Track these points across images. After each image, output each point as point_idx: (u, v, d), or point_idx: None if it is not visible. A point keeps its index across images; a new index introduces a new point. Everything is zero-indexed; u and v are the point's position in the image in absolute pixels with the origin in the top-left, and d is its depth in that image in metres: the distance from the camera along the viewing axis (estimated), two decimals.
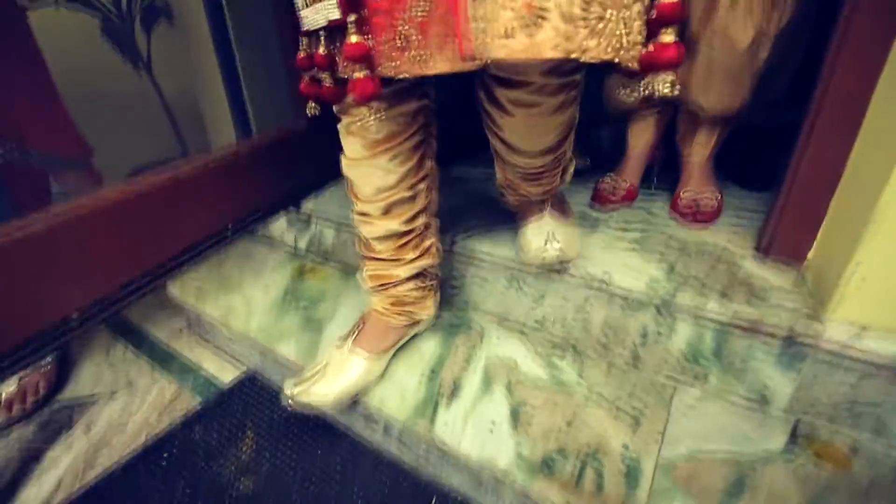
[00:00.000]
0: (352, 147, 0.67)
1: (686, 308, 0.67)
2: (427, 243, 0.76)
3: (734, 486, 0.57)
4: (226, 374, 1.00)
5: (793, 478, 0.58)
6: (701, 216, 0.88)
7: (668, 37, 0.41)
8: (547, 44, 0.40)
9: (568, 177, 0.74)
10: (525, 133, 0.60)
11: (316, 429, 0.84)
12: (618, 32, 0.41)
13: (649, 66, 0.43)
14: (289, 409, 0.74)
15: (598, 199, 0.97)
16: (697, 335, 0.68)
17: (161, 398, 0.95)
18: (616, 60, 0.42)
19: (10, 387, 0.92)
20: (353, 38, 0.47)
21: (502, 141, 0.63)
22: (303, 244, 1.13)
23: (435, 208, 0.76)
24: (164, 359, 1.06)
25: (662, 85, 0.43)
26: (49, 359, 0.98)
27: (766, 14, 0.71)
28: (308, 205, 1.07)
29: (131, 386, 0.98)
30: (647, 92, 0.44)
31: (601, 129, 1.17)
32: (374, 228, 0.71)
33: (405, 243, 0.73)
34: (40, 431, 0.89)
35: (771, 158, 0.96)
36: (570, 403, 0.69)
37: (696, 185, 0.92)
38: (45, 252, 0.67)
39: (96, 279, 0.75)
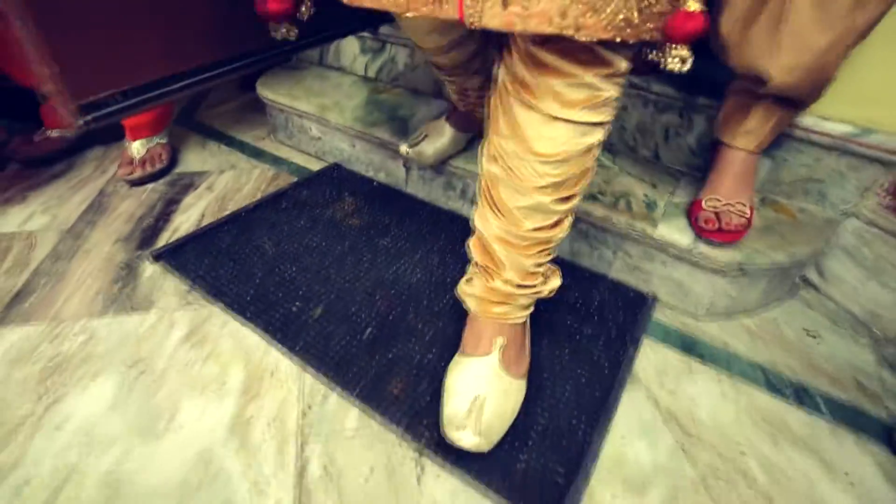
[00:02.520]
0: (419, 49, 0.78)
1: (703, 106, 0.90)
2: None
3: None
4: (313, 166, 1.21)
5: (760, 218, 0.84)
6: (721, 236, 0.73)
7: (694, 3, 0.39)
8: (540, 17, 0.39)
9: (551, 284, 0.66)
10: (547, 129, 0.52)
11: (400, 198, 1.08)
12: (624, 9, 0.39)
13: (667, 37, 0.40)
14: (405, 157, 0.97)
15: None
16: (707, 132, 0.91)
17: (264, 175, 1.16)
18: (618, 39, 0.40)
19: (141, 152, 1.12)
20: None
21: (506, 152, 0.55)
22: (372, 71, 1.30)
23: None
24: (256, 153, 1.26)
25: (671, 60, 0.41)
26: (164, 136, 1.17)
27: None
28: (384, 28, 1.23)
29: (235, 168, 1.19)
30: (653, 62, 0.41)
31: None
32: (448, 57, 0.77)
33: (471, 65, 0.80)
34: (170, 188, 1.10)
35: None
36: (607, 173, 0.93)
37: (727, 189, 0.76)
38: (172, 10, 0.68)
39: (204, 49, 0.88)
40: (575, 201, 0.58)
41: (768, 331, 0.83)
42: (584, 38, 0.40)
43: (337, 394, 0.67)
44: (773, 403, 0.71)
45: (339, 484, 0.57)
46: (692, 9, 0.39)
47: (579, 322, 0.79)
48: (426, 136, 0.96)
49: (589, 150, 0.53)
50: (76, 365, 0.69)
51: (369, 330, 0.75)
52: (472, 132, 0.99)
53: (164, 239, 0.94)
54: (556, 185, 0.54)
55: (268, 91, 1.22)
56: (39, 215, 0.99)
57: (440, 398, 0.62)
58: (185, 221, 0.99)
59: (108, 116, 0.56)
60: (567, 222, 0.60)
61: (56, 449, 0.59)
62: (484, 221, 0.62)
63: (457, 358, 0.66)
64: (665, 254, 0.82)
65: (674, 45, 0.41)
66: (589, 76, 0.48)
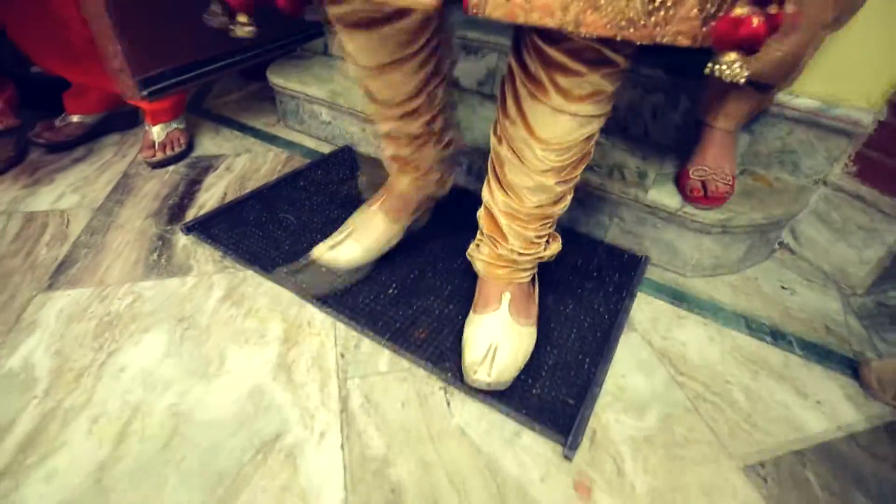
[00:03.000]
0: (354, 64, 0.64)
1: (687, 87, 0.99)
2: (447, 137, 0.78)
3: None
4: (324, 149, 1.28)
5: (740, 186, 0.93)
6: (708, 201, 0.83)
7: (740, 8, 0.37)
8: (543, 10, 0.40)
9: (552, 249, 0.73)
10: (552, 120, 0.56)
11: None
12: (626, 7, 0.39)
13: (719, 44, 0.39)
14: (315, 265, 0.79)
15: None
16: (691, 110, 1.00)
17: (278, 158, 1.23)
18: (618, 38, 0.40)
19: (161, 136, 1.17)
20: None
21: (514, 137, 0.60)
22: None
23: (449, 99, 0.75)
24: (269, 138, 1.32)
25: (730, 69, 0.38)
26: (181, 121, 1.23)
27: None
28: None
29: (250, 151, 1.25)
30: (711, 73, 0.39)
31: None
32: (392, 128, 0.72)
33: (424, 143, 0.75)
34: (191, 169, 1.17)
35: None
36: (601, 149, 1.01)
37: (712, 160, 0.86)
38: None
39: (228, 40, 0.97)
40: (575, 181, 0.64)
41: (748, 286, 0.92)
42: (583, 34, 0.40)
43: (368, 340, 0.74)
44: (754, 344, 0.80)
45: (378, 410, 0.64)
46: (738, 12, 0.37)
47: (580, 280, 0.88)
48: (351, 231, 0.81)
49: (589, 138, 0.59)
50: (126, 322, 0.75)
51: (393, 287, 0.82)
52: (412, 221, 0.87)
53: (192, 215, 1.00)
54: (558, 170, 0.60)
55: (279, 79, 1.29)
56: (69, 195, 1.05)
57: (460, 349, 0.70)
58: (209, 199, 1.05)
59: (160, 91, 0.62)
60: (567, 198, 0.66)
61: (120, 390, 0.65)
62: (491, 196, 0.68)
63: (471, 316, 0.73)
64: (656, 217, 0.91)
65: (723, 53, 0.39)
66: (594, 76, 0.51)
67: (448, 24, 0.64)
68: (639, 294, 0.87)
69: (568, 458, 0.60)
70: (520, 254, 0.69)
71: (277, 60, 1.37)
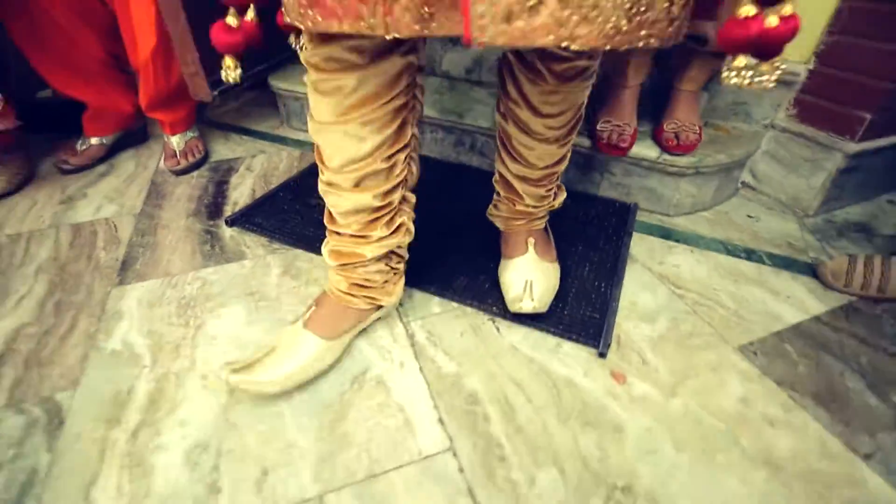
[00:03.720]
0: (320, 108, 0.58)
1: (658, 56, 1.14)
2: (399, 220, 0.69)
3: None
4: None
5: (705, 136, 1.09)
6: (681, 148, 0.99)
7: (746, 7, 0.36)
8: (542, 30, 0.40)
9: (560, 198, 0.84)
10: (549, 101, 0.66)
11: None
12: (613, 17, 0.40)
13: (727, 46, 0.38)
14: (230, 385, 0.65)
15: (606, 149, 1.02)
16: (659, 80, 1.16)
17: (291, 156, 1.33)
18: (608, 47, 0.41)
19: (181, 145, 1.26)
20: None
21: (519, 116, 0.69)
22: None
23: (413, 182, 0.71)
24: (277, 139, 1.42)
25: (739, 76, 0.38)
26: (196, 130, 1.32)
27: None
28: None
29: (264, 152, 1.35)
30: (737, 82, 0.39)
31: None
32: (342, 201, 0.64)
33: (375, 219, 0.66)
34: (214, 173, 1.26)
35: None
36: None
37: (682, 116, 1.02)
38: None
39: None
40: (572, 142, 0.74)
41: (721, 218, 1.09)
42: (577, 48, 0.41)
43: (417, 290, 0.87)
44: (732, 262, 0.96)
45: (442, 341, 0.77)
46: (746, 12, 0.36)
47: (584, 228, 1.03)
48: (272, 351, 0.67)
49: (582, 103, 0.70)
50: (202, 301, 0.85)
51: (427, 251, 0.95)
52: (351, 335, 0.74)
53: (229, 210, 1.10)
54: (559, 136, 0.71)
55: (282, 83, 1.39)
56: (107, 205, 1.12)
57: (499, 292, 0.83)
58: (240, 196, 1.15)
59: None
60: (567, 157, 0.77)
61: (218, 353, 0.76)
62: (504, 165, 0.78)
63: (503, 262, 0.86)
64: (639, 167, 1.06)
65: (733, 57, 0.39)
66: (582, 60, 0.61)
67: (422, 74, 0.64)
68: (634, 234, 1.03)
69: (602, 355, 0.75)
70: (534, 207, 0.81)
71: (280, 67, 1.46)
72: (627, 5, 0.39)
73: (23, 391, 0.70)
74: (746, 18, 0.36)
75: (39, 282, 0.90)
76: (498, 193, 0.85)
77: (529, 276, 0.79)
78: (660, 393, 0.70)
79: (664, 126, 1.03)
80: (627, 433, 0.65)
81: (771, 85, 0.38)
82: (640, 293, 0.88)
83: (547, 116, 0.67)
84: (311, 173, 1.21)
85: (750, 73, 0.38)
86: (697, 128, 1.02)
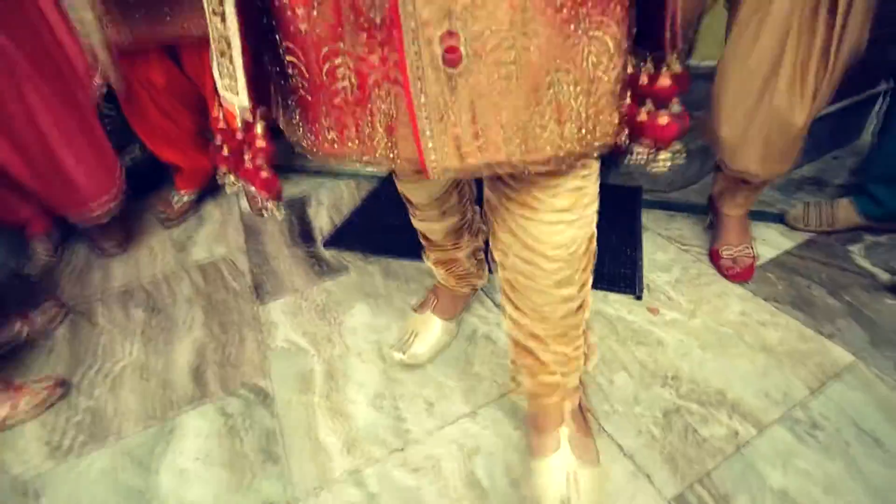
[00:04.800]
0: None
1: None
2: (476, 226, 0.88)
3: None
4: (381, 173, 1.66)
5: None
6: (740, 276, 1.04)
7: (662, 118, 0.41)
8: (493, 149, 0.43)
9: (593, 357, 0.70)
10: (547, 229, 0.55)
11: None
12: (560, 140, 0.43)
13: (642, 134, 0.43)
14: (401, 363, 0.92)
15: (733, 276, 1.05)
16: None
17: (350, 187, 1.60)
18: (563, 167, 0.44)
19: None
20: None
21: (520, 256, 0.58)
22: None
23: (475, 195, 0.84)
24: (330, 174, 1.69)
25: (663, 163, 0.43)
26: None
27: (821, 96, 0.84)
28: None
29: (323, 186, 1.62)
30: (639, 163, 0.43)
31: None
32: (436, 227, 0.83)
33: (461, 232, 0.86)
34: (291, 208, 1.52)
35: None
36: None
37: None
38: None
39: None
40: (588, 285, 0.62)
41: (706, 189, 1.39)
42: (532, 170, 0.44)
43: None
44: None
45: None
46: (662, 122, 0.43)
47: (604, 209, 1.31)
48: (416, 334, 0.93)
49: (588, 238, 0.58)
50: (333, 306, 1.12)
51: None
52: (461, 314, 1.00)
53: (318, 236, 1.36)
54: (569, 277, 0.58)
55: None
56: (215, 247, 1.38)
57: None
58: (322, 224, 1.42)
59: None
60: (588, 302, 0.63)
61: (361, 338, 1.03)
62: (514, 324, 0.64)
63: (534, 464, 0.67)
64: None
65: (658, 148, 0.45)
66: (571, 180, 0.52)
67: None
68: (643, 210, 1.32)
69: (639, 298, 1.04)
70: (562, 373, 0.65)
71: None
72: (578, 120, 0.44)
73: (229, 384, 0.97)
74: (650, 117, 0.45)
75: (195, 311, 1.16)
76: (514, 362, 0.70)
77: (571, 467, 0.64)
78: (684, 316, 0.99)
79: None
80: (667, 345, 0.94)
81: (665, 169, 0.48)
82: (656, 252, 1.17)
83: (550, 256, 0.57)
84: (376, 196, 1.49)
85: (649, 157, 0.47)
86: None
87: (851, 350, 0.90)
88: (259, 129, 0.48)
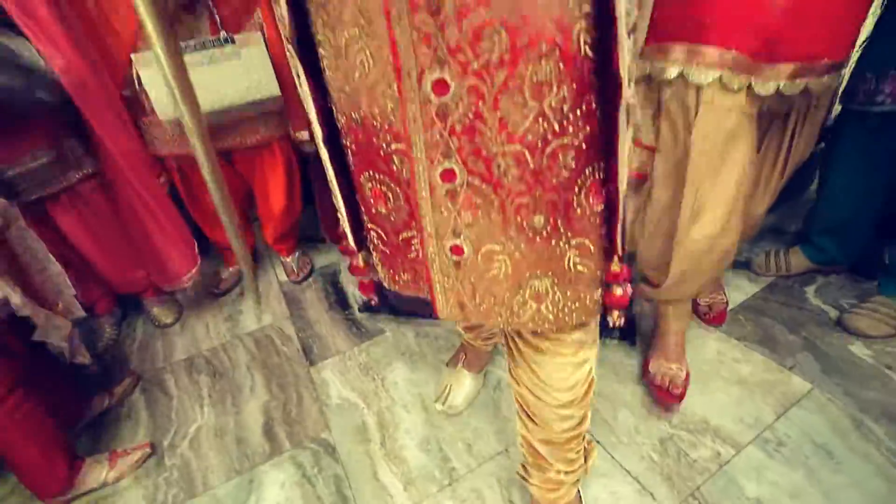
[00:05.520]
0: None
1: None
2: None
3: None
4: None
5: None
6: (716, 319, 1.21)
7: (618, 289, 0.56)
8: (487, 313, 0.57)
9: (592, 457, 0.83)
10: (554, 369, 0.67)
11: None
12: (539, 311, 0.56)
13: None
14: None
15: (661, 395, 1.04)
16: None
17: None
18: (553, 329, 0.60)
19: (295, 263, 1.74)
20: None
21: (530, 382, 0.70)
22: None
23: None
24: None
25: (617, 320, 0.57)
26: (299, 250, 1.80)
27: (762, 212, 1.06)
28: None
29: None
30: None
31: None
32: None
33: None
34: (324, 277, 1.73)
35: None
36: None
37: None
38: None
39: None
40: (588, 409, 0.74)
41: None
42: (524, 331, 0.60)
43: None
44: None
45: None
46: (618, 294, 0.56)
47: None
48: (450, 387, 1.12)
49: (589, 372, 0.70)
50: (374, 364, 1.32)
51: None
52: (486, 366, 1.18)
53: (352, 302, 1.57)
54: (572, 401, 0.70)
55: None
56: (263, 315, 1.58)
57: None
58: (355, 291, 1.63)
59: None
60: (588, 416, 0.76)
61: (404, 392, 1.22)
62: (526, 429, 0.78)
63: None
64: None
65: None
66: (573, 335, 0.64)
67: None
68: None
69: (633, 344, 1.24)
70: (566, 473, 0.79)
71: None
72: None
73: (296, 439, 1.15)
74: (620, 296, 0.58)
75: (255, 375, 1.35)
76: (526, 459, 0.84)
77: None
78: None
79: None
80: None
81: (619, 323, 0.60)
82: (644, 306, 1.39)
83: (555, 386, 0.69)
84: None
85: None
86: (724, 296, 1.28)
87: (809, 379, 1.10)
88: (360, 260, 0.68)
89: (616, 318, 0.59)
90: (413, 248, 0.58)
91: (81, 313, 1.11)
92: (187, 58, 1.11)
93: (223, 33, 1.20)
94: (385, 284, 0.67)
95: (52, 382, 1.14)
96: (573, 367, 0.67)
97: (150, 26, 0.40)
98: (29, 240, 1.04)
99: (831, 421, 1.01)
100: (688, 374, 1.08)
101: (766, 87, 0.75)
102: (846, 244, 1.29)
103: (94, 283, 1.49)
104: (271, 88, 1.25)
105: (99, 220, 1.35)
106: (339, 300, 1.60)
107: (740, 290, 1.38)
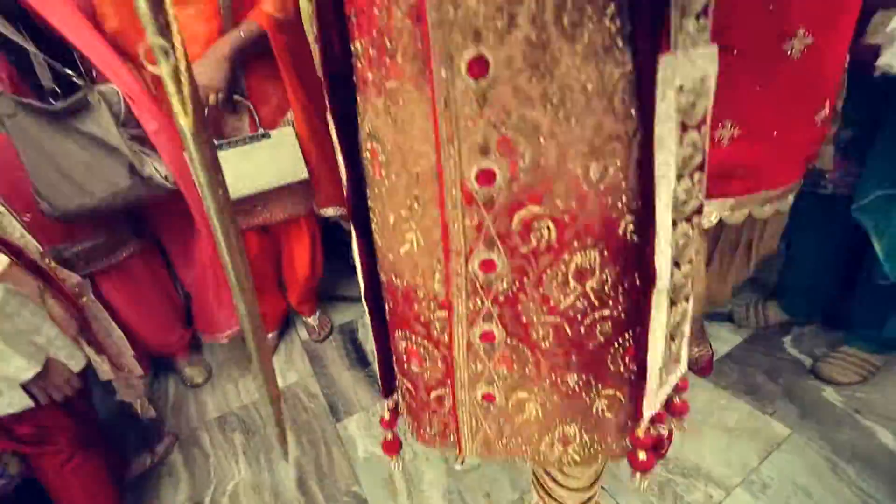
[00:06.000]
0: None
1: None
2: None
3: None
4: None
5: None
6: (703, 370, 1.30)
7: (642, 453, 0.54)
8: (516, 450, 0.58)
9: None
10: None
11: None
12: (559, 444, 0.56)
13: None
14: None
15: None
16: None
17: None
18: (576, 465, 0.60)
19: (316, 322, 1.88)
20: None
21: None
22: None
23: None
24: None
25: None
26: (319, 308, 1.94)
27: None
28: None
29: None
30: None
31: None
32: None
33: None
34: (344, 335, 1.87)
35: None
36: None
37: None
38: None
39: None
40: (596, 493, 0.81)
41: None
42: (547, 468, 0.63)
43: None
44: None
45: None
46: (642, 458, 0.54)
47: None
48: None
49: (594, 497, 0.81)
50: None
51: None
52: None
53: (371, 359, 1.70)
54: (588, 484, 0.76)
55: None
56: (287, 374, 1.71)
57: None
58: (372, 349, 1.76)
59: None
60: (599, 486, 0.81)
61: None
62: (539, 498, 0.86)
63: None
64: None
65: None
66: (589, 469, 0.74)
67: None
68: None
69: None
70: None
71: None
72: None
73: (328, 492, 1.26)
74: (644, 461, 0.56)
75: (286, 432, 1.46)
76: None
77: None
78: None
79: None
80: None
81: None
82: None
83: (570, 476, 0.76)
84: None
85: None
86: (709, 348, 1.41)
87: (788, 424, 1.23)
88: (387, 412, 0.74)
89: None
90: (445, 405, 0.60)
91: (141, 371, 1.25)
92: (228, 152, 1.30)
93: (261, 129, 1.39)
94: (410, 432, 0.69)
95: (104, 443, 1.26)
96: (583, 492, 0.78)
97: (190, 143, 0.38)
98: (96, 309, 1.19)
99: (809, 463, 1.14)
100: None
101: (707, 221, 0.80)
102: (814, 301, 1.45)
103: (133, 346, 1.63)
104: (299, 173, 1.43)
105: (141, 290, 1.50)
106: (359, 358, 1.73)
107: (724, 341, 1.53)
